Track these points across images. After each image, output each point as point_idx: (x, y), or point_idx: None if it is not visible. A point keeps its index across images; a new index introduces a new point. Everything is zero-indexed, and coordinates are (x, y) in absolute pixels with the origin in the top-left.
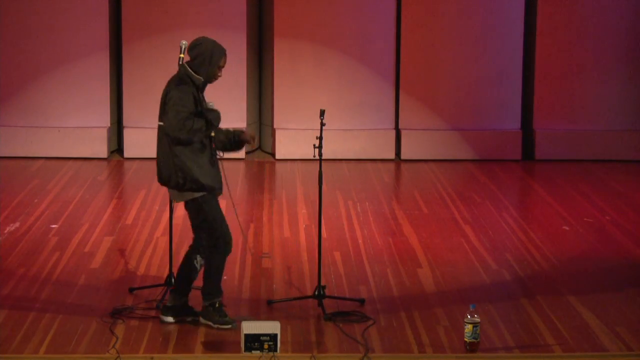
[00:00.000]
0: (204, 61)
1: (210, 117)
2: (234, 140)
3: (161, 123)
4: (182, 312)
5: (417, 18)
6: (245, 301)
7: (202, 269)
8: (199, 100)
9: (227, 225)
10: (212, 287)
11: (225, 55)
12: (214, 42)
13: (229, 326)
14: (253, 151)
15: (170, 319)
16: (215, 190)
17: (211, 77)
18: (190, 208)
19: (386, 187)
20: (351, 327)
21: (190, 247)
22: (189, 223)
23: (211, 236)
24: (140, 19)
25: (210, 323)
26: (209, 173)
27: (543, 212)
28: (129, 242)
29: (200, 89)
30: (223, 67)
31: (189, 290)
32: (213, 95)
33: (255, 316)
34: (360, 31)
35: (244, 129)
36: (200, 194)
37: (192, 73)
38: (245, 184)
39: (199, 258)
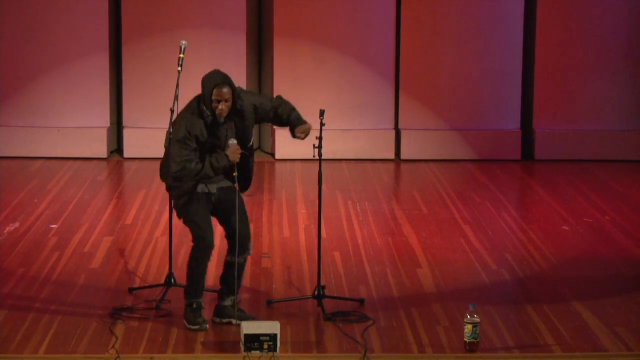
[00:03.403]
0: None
1: (212, 161)
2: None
3: None
4: (222, 314)
5: (417, 18)
6: (245, 301)
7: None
8: (202, 133)
9: (209, 232)
10: (189, 287)
11: (215, 88)
12: (209, 75)
13: (197, 327)
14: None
15: (216, 320)
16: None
17: (213, 111)
18: None
19: (386, 187)
20: (351, 327)
21: None
22: None
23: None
24: (140, 19)
25: (185, 322)
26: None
27: (543, 212)
28: (129, 242)
29: (210, 122)
30: (223, 100)
31: (226, 291)
32: None
33: (256, 316)
34: (360, 31)
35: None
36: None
37: (203, 107)
38: None
39: (229, 256)
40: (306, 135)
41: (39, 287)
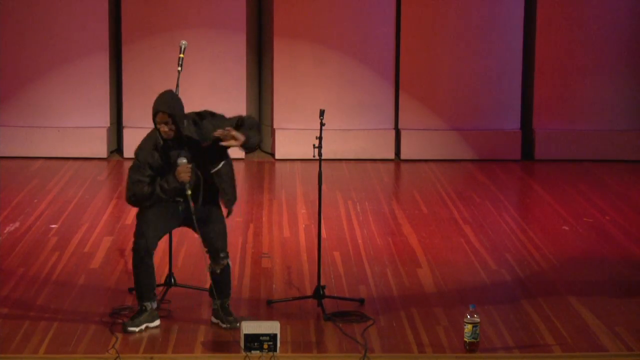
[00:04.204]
0: None
1: (162, 184)
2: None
3: None
4: (218, 315)
5: (417, 18)
6: (245, 301)
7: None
8: (154, 159)
9: (144, 238)
10: (135, 288)
11: (157, 114)
12: (157, 98)
13: (128, 329)
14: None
15: (213, 320)
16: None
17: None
18: None
19: (386, 187)
20: (351, 327)
21: None
22: None
23: None
24: (140, 19)
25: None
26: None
27: (543, 212)
28: (129, 242)
29: (162, 147)
30: (163, 123)
31: (214, 296)
32: (213, 95)
33: (255, 316)
34: (360, 31)
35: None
36: None
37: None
38: (245, 184)
39: (210, 262)
40: (225, 136)
41: (39, 287)
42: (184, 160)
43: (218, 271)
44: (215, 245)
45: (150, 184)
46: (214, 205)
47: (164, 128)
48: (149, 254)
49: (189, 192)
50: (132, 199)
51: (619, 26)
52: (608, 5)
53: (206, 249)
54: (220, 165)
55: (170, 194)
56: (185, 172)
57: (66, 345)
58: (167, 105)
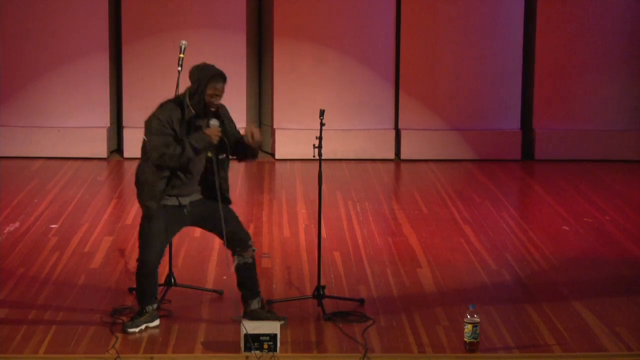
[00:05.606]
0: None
1: (191, 142)
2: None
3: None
4: (255, 317)
5: (417, 18)
6: None
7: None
8: (177, 125)
9: (153, 253)
10: (138, 294)
11: (219, 83)
12: (211, 67)
13: (128, 330)
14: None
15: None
16: (153, 213)
17: (196, 106)
18: None
19: (386, 187)
20: (351, 327)
21: None
22: None
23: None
24: (140, 19)
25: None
26: (157, 196)
27: (543, 212)
28: (129, 242)
29: (188, 119)
30: (218, 95)
31: (250, 295)
32: None
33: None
34: (360, 31)
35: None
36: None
37: (187, 101)
38: (245, 184)
39: (236, 260)
40: (255, 138)
41: (39, 287)
42: (217, 122)
43: (250, 260)
44: (239, 233)
45: (177, 144)
46: (215, 202)
47: (217, 100)
48: (156, 267)
49: (210, 154)
50: (160, 160)
51: (619, 26)
52: (608, 5)
53: (228, 243)
54: (226, 156)
55: (199, 153)
56: (215, 134)
57: (66, 345)
58: (226, 76)
